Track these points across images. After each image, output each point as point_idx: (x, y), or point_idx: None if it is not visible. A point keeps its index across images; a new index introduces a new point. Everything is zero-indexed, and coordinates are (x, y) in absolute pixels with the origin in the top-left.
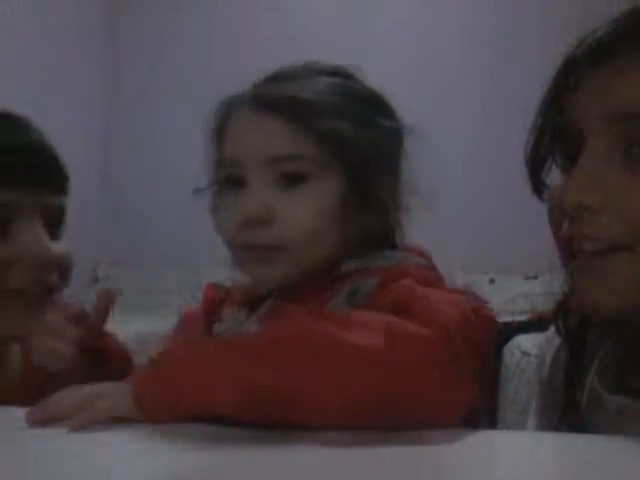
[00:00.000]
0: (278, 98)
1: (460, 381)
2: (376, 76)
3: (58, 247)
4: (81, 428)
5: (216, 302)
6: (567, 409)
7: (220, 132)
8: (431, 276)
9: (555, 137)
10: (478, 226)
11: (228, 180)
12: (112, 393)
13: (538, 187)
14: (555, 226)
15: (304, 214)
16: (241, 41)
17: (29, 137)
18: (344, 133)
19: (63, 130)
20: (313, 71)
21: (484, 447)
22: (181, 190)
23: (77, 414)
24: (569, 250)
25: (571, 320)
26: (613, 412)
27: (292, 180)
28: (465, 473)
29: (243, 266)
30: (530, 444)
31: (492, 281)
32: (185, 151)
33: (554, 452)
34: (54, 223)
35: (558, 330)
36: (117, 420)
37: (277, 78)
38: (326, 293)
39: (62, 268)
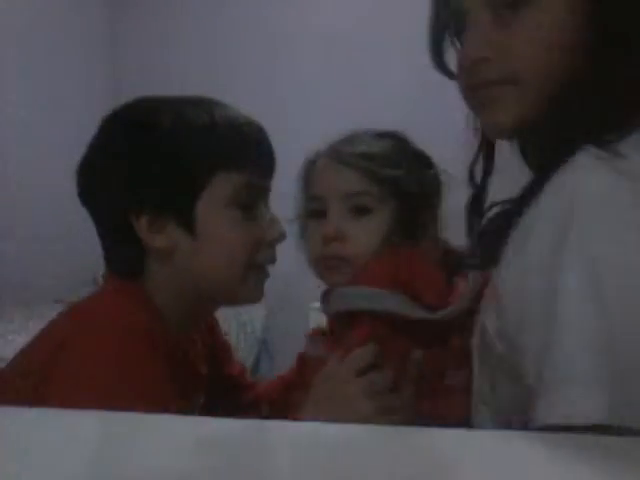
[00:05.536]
0: (353, 154)
1: None
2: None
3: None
4: None
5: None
6: None
7: (306, 177)
8: None
9: (448, 18)
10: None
11: (312, 212)
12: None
13: (439, 62)
14: (461, 82)
15: (369, 237)
16: (243, 43)
17: (256, 122)
18: (398, 179)
19: (65, 136)
20: (373, 135)
21: (478, 447)
22: None
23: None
24: (471, 96)
25: None
26: None
27: (359, 212)
28: (461, 474)
29: (323, 275)
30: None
31: None
32: None
33: (554, 452)
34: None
35: None
36: None
37: (350, 140)
38: None
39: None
